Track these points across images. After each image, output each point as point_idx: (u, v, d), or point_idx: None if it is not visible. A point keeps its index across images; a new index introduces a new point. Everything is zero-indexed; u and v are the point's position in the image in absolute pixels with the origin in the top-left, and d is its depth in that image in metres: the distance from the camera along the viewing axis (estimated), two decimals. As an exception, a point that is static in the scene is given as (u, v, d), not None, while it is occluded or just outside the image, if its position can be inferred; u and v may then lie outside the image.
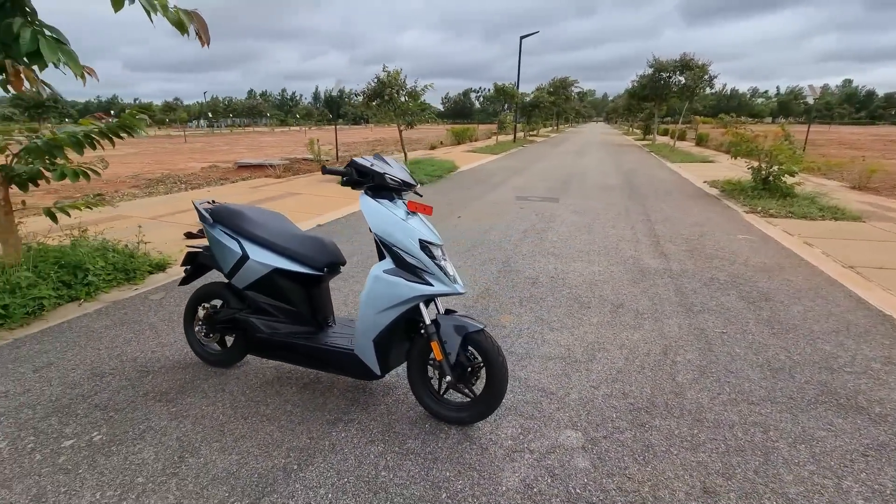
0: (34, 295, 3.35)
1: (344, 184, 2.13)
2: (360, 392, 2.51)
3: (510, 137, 28.00)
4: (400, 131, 11.80)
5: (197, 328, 2.71)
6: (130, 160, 16.32)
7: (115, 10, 2.74)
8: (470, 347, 2.11)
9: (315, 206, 7.66)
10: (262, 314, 2.45)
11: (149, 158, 17.30)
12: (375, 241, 2.12)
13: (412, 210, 2.12)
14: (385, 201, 2.11)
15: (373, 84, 10.62)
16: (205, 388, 2.54)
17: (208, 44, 3.02)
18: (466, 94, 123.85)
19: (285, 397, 2.46)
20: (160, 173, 12.03)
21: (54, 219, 3.79)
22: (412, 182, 2.18)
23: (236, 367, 2.75)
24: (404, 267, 2.04)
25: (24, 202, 3.81)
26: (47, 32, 2.83)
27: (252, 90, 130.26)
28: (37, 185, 3.71)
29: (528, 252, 5.22)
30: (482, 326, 2.08)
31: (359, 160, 2.11)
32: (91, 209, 4.11)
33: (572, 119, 66.36)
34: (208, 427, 2.21)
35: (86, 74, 3.25)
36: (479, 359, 2.11)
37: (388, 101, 10.47)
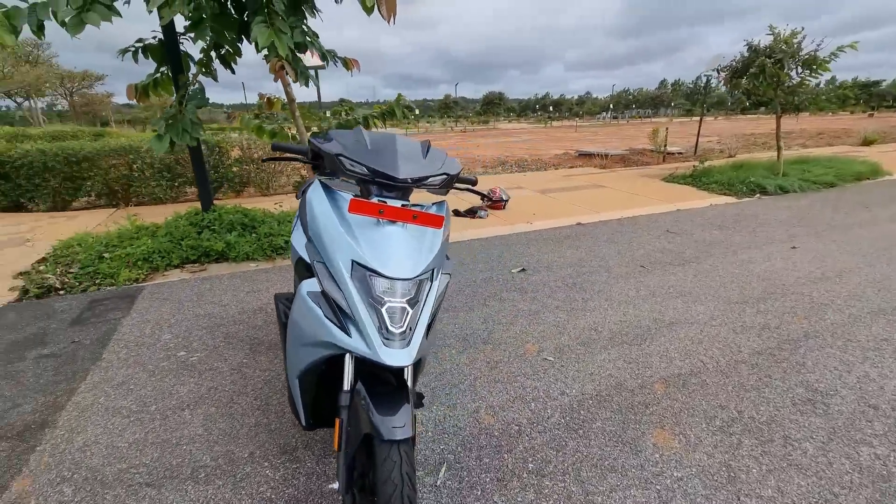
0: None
1: (313, 167, 1.73)
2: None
3: None
4: (777, 118, 8.55)
5: None
6: (512, 146, 19.42)
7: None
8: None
9: (598, 203, 6.81)
10: None
11: (526, 145, 20.06)
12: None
13: (368, 213, 1.40)
14: (342, 195, 1.58)
15: (742, 56, 8.00)
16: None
17: (394, 20, 3.09)
18: None
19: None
20: (518, 157, 13.74)
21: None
22: (395, 175, 1.50)
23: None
24: (325, 295, 1.44)
25: None
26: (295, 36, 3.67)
27: (664, 80, 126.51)
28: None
29: None
30: (408, 435, 1.27)
31: (320, 135, 1.65)
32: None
33: None
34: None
35: (352, 66, 4.05)
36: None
37: (761, 74, 7.66)
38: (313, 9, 3.93)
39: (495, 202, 6.38)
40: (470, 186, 1.94)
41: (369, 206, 1.41)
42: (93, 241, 4.45)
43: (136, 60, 4.05)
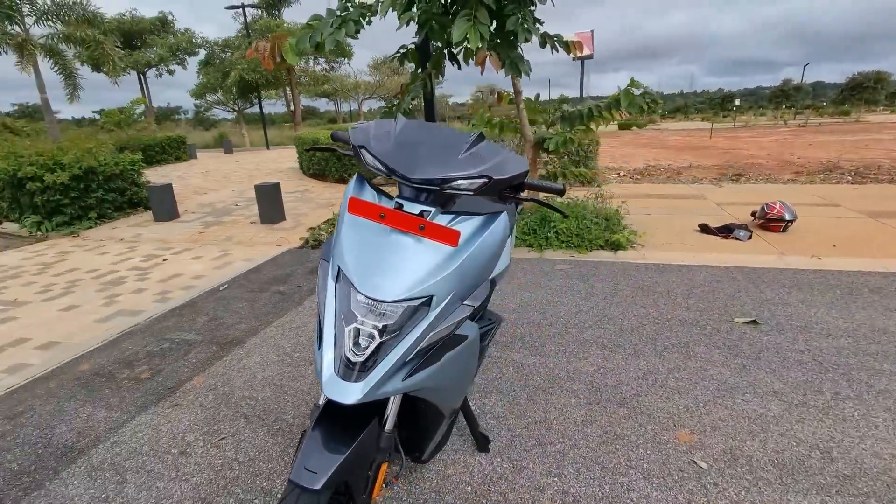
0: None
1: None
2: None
3: None
4: None
5: None
6: (872, 146, 13.72)
7: None
8: None
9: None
10: None
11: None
12: None
13: (367, 216, 1.21)
14: (371, 191, 1.38)
15: None
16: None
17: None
18: None
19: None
20: (867, 162, 9.62)
21: (555, 179, 4.65)
22: (406, 174, 1.23)
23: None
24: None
25: (546, 163, 4.91)
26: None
27: None
28: (562, 152, 4.62)
29: None
30: (313, 486, 1.04)
31: (354, 126, 1.45)
32: (583, 183, 4.63)
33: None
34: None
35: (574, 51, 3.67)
36: None
37: None
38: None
39: (771, 221, 4.65)
40: (541, 197, 1.44)
41: (369, 208, 1.21)
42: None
43: (401, 64, 4.79)
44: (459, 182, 1.24)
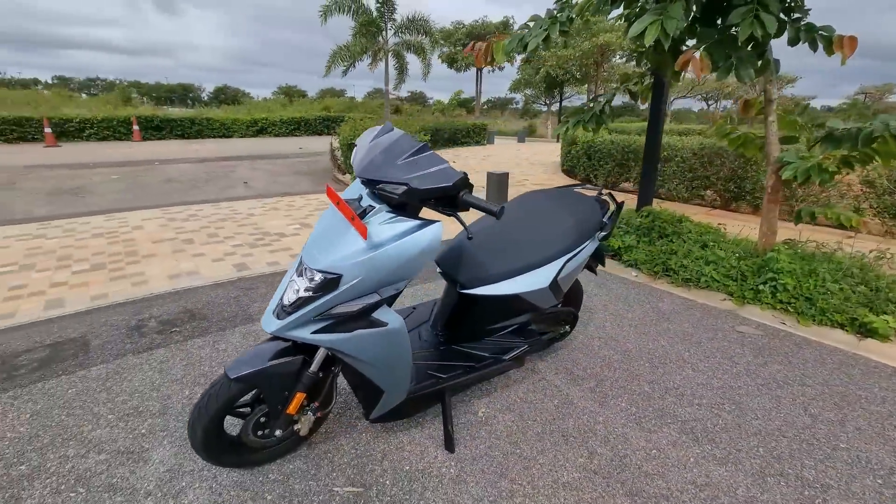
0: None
1: None
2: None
3: None
4: None
5: None
6: None
7: None
8: None
9: None
10: None
11: None
12: None
13: (332, 200, 1.52)
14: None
15: None
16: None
17: None
18: None
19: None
20: None
21: (799, 219, 3.47)
22: (356, 169, 1.51)
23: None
24: None
25: (787, 194, 3.65)
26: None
27: None
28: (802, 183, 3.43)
29: None
30: (234, 373, 1.52)
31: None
32: (847, 225, 3.24)
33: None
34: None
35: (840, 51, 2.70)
36: None
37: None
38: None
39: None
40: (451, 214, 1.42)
41: (333, 196, 1.55)
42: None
43: (638, 64, 4.45)
44: (385, 185, 1.40)
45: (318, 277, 1.43)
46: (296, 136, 22.22)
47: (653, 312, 3.28)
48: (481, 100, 34.56)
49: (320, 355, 1.60)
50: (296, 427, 1.68)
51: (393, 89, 21.15)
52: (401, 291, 1.52)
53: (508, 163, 12.47)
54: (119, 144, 16.01)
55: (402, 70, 20.20)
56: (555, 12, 3.72)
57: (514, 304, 2.00)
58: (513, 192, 7.66)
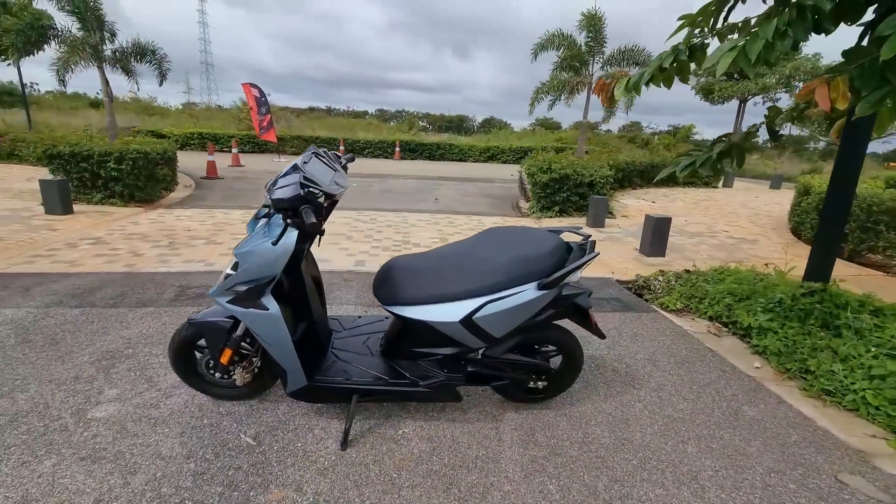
0: None
1: None
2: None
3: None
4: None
5: None
6: None
7: None
8: None
9: None
10: None
11: None
12: None
13: None
14: None
15: None
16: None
17: None
18: None
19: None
20: None
21: None
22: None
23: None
24: None
25: None
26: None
27: None
28: None
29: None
30: (200, 319, 2.11)
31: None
32: None
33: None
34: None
35: None
36: None
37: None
38: None
39: None
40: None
41: None
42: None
43: None
44: (267, 195, 1.76)
45: (233, 259, 1.88)
46: (519, 163, 23.68)
47: (745, 424, 2.44)
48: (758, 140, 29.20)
49: (241, 325, 2.03)
50: (233, 377, 2.16)
51: (602, 121, 20.32)
52: (273, 281, 1.82)
53: (720, 211, 10.33)
54: (384, 161, 20.38)
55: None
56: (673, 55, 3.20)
57: (422, 330, 1.99)
58: (690, 249, 6.60)
